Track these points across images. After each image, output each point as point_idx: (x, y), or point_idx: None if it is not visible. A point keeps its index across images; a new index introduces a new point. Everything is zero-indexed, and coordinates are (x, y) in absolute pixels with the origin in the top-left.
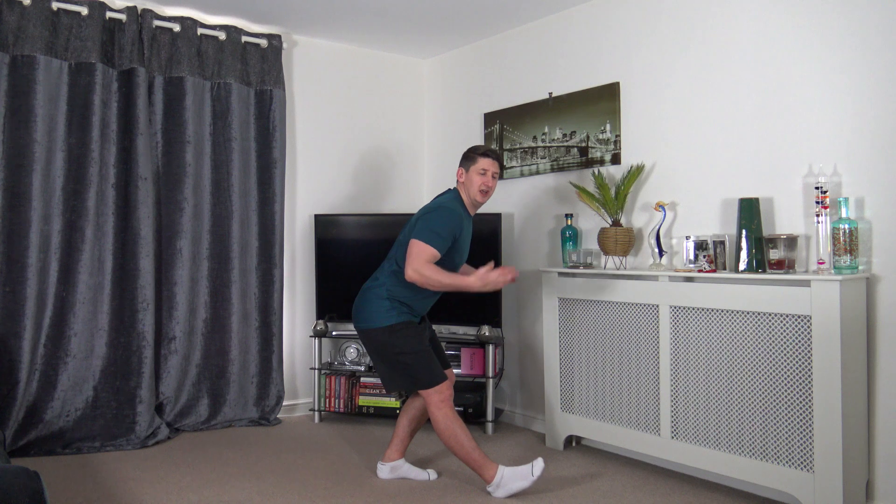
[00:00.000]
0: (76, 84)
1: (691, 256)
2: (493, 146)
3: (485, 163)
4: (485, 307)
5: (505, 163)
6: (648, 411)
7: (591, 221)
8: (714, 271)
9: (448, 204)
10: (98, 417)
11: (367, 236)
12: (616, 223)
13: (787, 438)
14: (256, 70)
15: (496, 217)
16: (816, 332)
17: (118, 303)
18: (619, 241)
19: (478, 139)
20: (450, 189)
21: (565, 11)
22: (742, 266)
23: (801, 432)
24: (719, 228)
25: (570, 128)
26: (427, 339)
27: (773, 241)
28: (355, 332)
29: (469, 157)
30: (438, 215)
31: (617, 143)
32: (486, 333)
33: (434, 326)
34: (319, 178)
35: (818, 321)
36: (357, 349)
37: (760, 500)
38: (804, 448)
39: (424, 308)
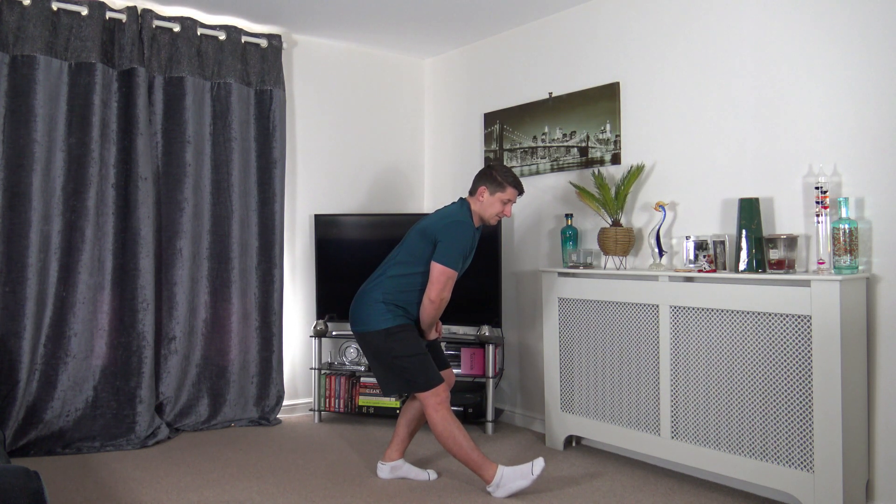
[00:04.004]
0: (76, 84)
1: (691, 256)
2: (493, 146)
3: (512, 194)
4: (485, 307)
5: (505, 163)
6: (648, 411)
7: (591, 221)
8: (714, 271)
9: (464, 219)
10: (98, 417)
11: (368, 236)
12: (616, 223)
13: (787, 438)
14: (256, 70)
15: None
16: (816, 333)
17: (118, 303)
18: (619, 241)
19: (478, 139)
20: (462, 199)
21: (565, 12)
22: (742, 266)
23: (801, 432)
24: (719, 228)
25: (570, 128)
26: (424, 342)
27: (773, 241)
28: None
29: (498, 182)
30: (457, 235)
31: (617, 143)
32: (486, 333)
33: None
34: (319, 178)
35: (818, 321)
36: (357, 349)
37: (760, 500)
38: (804, 448)
39: None
